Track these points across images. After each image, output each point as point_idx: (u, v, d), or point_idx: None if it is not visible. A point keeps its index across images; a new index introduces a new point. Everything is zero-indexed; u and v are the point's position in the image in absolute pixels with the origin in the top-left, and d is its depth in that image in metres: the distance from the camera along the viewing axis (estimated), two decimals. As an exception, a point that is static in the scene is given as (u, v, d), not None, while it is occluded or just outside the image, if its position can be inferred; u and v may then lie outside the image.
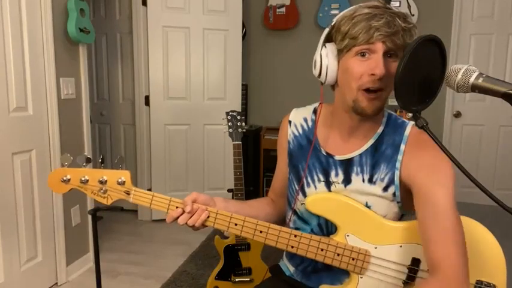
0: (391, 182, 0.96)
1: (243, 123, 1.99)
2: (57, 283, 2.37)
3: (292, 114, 1.14)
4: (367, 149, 0.99)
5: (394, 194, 0.97)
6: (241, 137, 1.97)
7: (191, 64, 3.40)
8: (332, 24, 0.94)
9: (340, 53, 0.93)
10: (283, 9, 3.74)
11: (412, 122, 0.99)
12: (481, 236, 0.94)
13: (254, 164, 3.74)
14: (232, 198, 1.99)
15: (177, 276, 2.46)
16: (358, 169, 0.99)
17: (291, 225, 1.12)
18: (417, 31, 0.90)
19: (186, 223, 0.98)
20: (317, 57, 0.96)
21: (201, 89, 3.45)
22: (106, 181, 1.01)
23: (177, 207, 0.99)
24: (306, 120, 1.10)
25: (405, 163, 0.95)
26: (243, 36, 3.62)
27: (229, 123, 1.98)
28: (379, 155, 0.98)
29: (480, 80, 0.67)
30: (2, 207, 1.99)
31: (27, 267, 2.16)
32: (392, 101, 0.79)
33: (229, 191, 2.15)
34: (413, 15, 3.45)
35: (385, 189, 0.97)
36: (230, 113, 2.00)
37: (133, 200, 1.01)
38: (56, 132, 2.28)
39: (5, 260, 2.01)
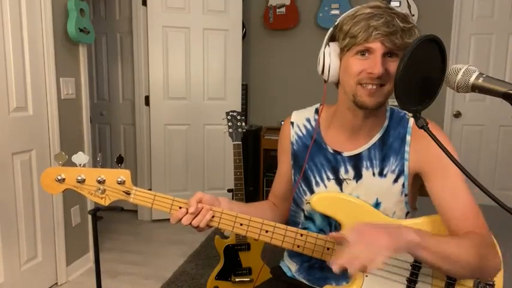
0: (401, 172, 1.00)
1: (243, 123, 1.99)
2: (57, 283, 2.37)
3: (294, 116, 1.14)
4: (374, 143, 1.02)
5: (403, 185, 1.00)
6: (241, 137, 1.97)
7: (191, 64, 3.40)
8: (336, 24, 0.98)
9: (342, 51, 0.96)
10: (283, 9, 3.74)
11: None
12: None
13: (254, 164, 3.73)
14: (232, 198, 1.99)
15: (177, 276, 2.46)
16: (368, 163, 1.02)
17: (300, 226, 1.11)
18: (418, 31, 0.92)
19: (191, 223, 0.95)
20: (320, 55, 0.99)
21: (201, 89, 3.45)
22: (104, 180, 0.97)
23: (180, 208, 0.95)
24: (309, 120, 1.11)
25: (413, 153, 0.99)
26: (243, 36, 3.62)
27: (229, 123, 1.98)
28: (388, 148, 1.01)
29: (480, 80, 0.67)
30: (2, 207, 1.99)
31: (27, 267, 2.16)
32: (393, 101, 0.79)
33: (229, 191, 2.15)
34: (413, 15, 3.45)
35: (396, 180, 1.00)
36: (230, 113, 2.00)
37: (134, 200, 0.97)
38: (56, 132, 2.28)
39: (5, 260, 2.01)
